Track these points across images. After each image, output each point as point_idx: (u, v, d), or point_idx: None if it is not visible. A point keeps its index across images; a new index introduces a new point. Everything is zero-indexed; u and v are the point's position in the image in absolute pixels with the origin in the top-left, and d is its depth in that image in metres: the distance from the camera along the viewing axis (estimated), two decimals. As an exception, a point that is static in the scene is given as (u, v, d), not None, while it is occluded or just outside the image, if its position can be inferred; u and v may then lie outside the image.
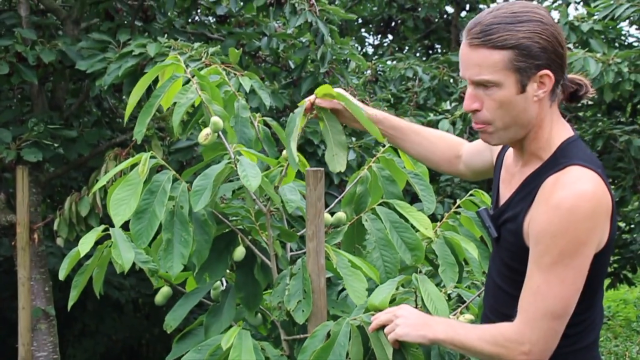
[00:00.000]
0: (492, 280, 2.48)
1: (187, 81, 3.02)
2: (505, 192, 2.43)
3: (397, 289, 2.81)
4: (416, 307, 2.78)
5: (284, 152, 2.99)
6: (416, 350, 2.58)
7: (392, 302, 2.80)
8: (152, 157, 2.86)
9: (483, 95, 2.27)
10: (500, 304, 2.43)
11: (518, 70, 2.21)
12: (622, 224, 8.81)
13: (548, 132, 2.32)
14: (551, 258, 2.18)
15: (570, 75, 2.38)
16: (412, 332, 2.43)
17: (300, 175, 3.24)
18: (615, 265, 8.78)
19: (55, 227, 6.39)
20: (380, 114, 2.87)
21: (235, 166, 2.83)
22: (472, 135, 7.78)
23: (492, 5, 2.37)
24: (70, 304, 3.05)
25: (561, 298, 2.21)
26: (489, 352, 2.31)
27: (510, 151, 2.49)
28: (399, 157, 3.24)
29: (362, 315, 2.67)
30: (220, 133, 2.94)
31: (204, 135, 2.91)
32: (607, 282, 9.07)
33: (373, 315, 2.64)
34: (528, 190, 2.30)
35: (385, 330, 2.52)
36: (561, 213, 2.15)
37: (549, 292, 2.20)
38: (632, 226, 8.50)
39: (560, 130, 2.33)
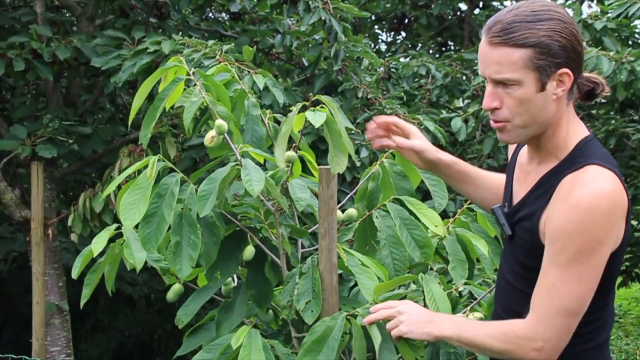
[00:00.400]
0: (504, 278, 2.48)
1: (193, 84, 3.04)
2: (520, 190, 2.43)
3: (407, 286, 2.83)
4: (424, 306, 2.80)
5: (291, 151, 3.01)
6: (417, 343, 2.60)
7: (402, 299, 2.82)
8: (160, 159, 2.88)
9: (503, 94, 2.27)
10: (512, 301, 2.42)
11: (538, 69, 2.22)
12: (634, 222, 8.80)
13: (565, 130, 2.32)
14: (568, 256, 2.19)
15: (585, 74, 2.39)
16: (417, 330, 2.43)
17: (311, 172, 3.26)
18: (627, 263, 8.76)
19: (69, 223, 6.43)
20: (449, 158, 2.78)
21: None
22: (484, 133, 7.79)
23: (508, 4, 2.37)
24: (82, 302, 3.09)
25: (576, 296, 2.21)
26: (499, 349, 2.32)
27: (524, 149, 2.49)
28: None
29: (359, 309, 2.69)
30: (226, 135, 2.96)
31: (209, 138, 2.94)
32: (618, 280, 9.06)
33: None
34: (545, 188, 2.31)
35: (388, 325, 2.52)
36: (579, 212, 2.16)
37: (564, 289, 2.21)
38: (645, 225, 8.49)
39: (576, 129, 2.34)
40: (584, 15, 7.47)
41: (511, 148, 2.64)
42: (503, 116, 2.30)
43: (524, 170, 2.46)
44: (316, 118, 2.89)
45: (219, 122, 2.93)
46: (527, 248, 2.34)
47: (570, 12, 7.79)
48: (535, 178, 2.37)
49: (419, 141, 2.73)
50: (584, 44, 7.03)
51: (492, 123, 2.35)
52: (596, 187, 2.18)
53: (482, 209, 3.06)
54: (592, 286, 2.22)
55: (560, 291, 2.21)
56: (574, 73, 2.26)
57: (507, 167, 2.61)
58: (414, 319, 2.45)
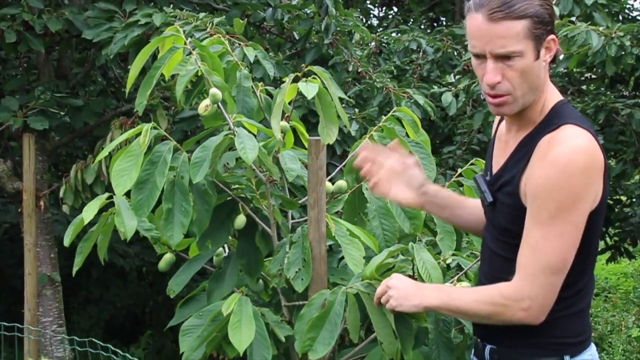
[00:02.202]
0: (488, 248, 2.52)
1: (189, 52, 3.06)
2: (500, 158, 2.47)
3: (396, 257, 2.87)
4: (413, 276, 2.84)
5: (283, 122, 3.04)
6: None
7: (391, 269, 2.86)
8: (153, 127, 2.90)
9: (503, 67, 2.29)
10: (496, 269, 2.45)
11: (535, 38, 2.26)
12: (623, 198, 8.84)
13: (545, 95, 2.38)
14: (549, 212, 2.23)
15: None
16: (405, 303, 2.48)
17: (302, 145, 3.29)
18: (616, 238, 8.81)
19: (61, 195, 6.43)
20: (434, 187, 2.76)
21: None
22: (474, 108, 7.81)
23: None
24: (75, 269, 3.11)
25: (560, 252, 2.26)
26: (487, 313, 2.36)
27: (502, 124, 2.55)
28: (402, 126, 3.28)
29: (358, 283, 2.72)
30: (220, 104, 2.99)
31: (204, 107, 2.96)
32: (607, 255, 9.12)
33: (369, 283, 2.70)
34: (523, 152, 2.35)
35: (382, 301, 2.58)
36: (557, 168, 2.21)
37: (547, 246, 2.25)
38: (633, 199, 8.52)
39: (552, 94, 2.39)
40: (575, -9, 7.47)
41: (494, 124, 2.69)
42: (505, 89, 2.31)
43: (502, 140, 2.50)
44: (309, 89, 2.91)
45: (214, 90, 2.95)
46: (510, 212, 2.37)
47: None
48: (514, 144, 2.41)
49: (406, 196, 2.71)
50: (574, 19, 7.07)
51: (490, 99, 2.36)
52: (573, 143, 2.23)
53: (471, 233, 3.04)
54: (574, 242, 2.27)
55: (543, 248, 2.25)
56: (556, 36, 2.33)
57: (488, 144, 2.65)
58: (401, 293, 2.50)
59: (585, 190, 2.24)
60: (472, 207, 2.76)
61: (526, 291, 2.29)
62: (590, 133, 2.26)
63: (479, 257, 2.95)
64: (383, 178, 2.69)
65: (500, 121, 2.61)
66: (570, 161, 2.21)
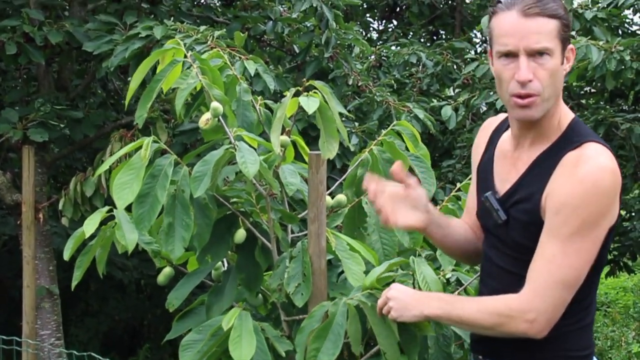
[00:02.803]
0: (495, 265, 2.48)
1: (189, 65, 3.06)
2: (508, 175, 2.44)
3: (396, 271, 2.86)
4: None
5: (284, 136, 3.04)
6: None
7: (391, 283, 2.85)
8: (154, 141, 2.90)
9: (535, 66, 2.27)
10: (506, 285, 2.41)
11: (563, 41, 2.29)
12: (622, 212, 8.83)
13: (559, 109, 2.37)
14: (570, 229, 2.23)
15: None
16: (406, 313, 2.47)
17: (302, 159, 3.28)
18: (615, 252, 8.80)
19: (60, 207, 6.43)
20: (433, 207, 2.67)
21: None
22: (474, 122, 7.81)
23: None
24: (74, 283, 3.10)
25: (575, 268, 2.26)
26: (491, 324, 2.34)
27: (502, 140, 2.52)
28: (402, 140, 3.27)
29: (359, 294, 2.72)
30: (220, 118, 2.98)
31: (204, 120, 2.96)
32: (606, 269, 9.11)
33: (370, 293, 2.70)
34: (542, 168, 2.33)
35: (383, 312, 2.56)
36: (585, 186, 2.21)
37: (564, 261, 2.24)
38: (632, 214, 8.52)
39: (566, 110, 2.40)
40: (575, 5, 7.48)
41: (477, 143, 2.66)
42: (535, 88, 2.28)
43: (509, 157, 2.46)
44: (310, 104, 2.91)
45: (215, 104, 2.95)
46: (526, 228, 2.35)
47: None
48: (528, 160, 2.39)
49: (415, 218, 2.59)
50: (574, 33, 7.08)
51: (518, 100, 2.30)
52: (600, 162, 2.24)
53: (451, 254, 2.89)
54: (590, 259, 2.27)
55: (560, 263, 2.24)
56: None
57: (480, 162, 2.60)
58: (402, 303, 2.49)
59: (608, 209, 2.25)
60: (457, 227, 2.71)
61: (535, 304, 2.27)
62: (611, 152, 2.28)
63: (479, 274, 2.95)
64: (388, 209, 2.56)
65: (492, 138, 2.58)
66: (597, 180, 2.22)
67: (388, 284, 2.80)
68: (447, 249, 2.75)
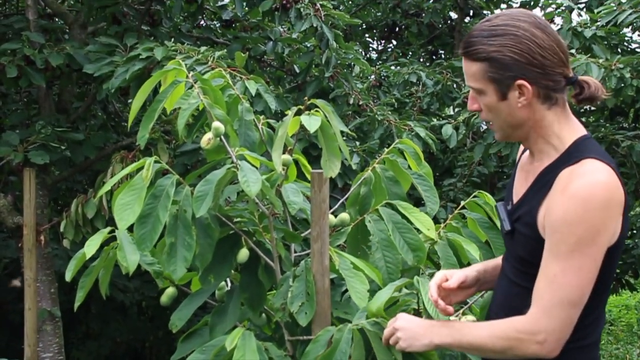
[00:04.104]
0: (505, 277, 2.51)
1: (190, 86, 3.06)
2: (521, 189, 2.48)
3: (400, 291, 2.85)
4: (418, 309, 2.82)
5: (286, 155, 3.03)
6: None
7: (395, 304, 2.84)
8: (156, 161, 2.89)
9: (479, 99, 2.42)
10: (511, 298, 2.44)
11: (494, 80, 2.35)
12: (624, 229, 8.82)
13: (551, 131, 2.39)
14: (568, 246, 2.22)
15: (581, 77, 2.43)
16: (415, 343, 2.46)
17: (304, 178, 3.28)
18: (618, 270, 8.79)
19: (61, 229, 6.43)
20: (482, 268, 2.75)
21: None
22: (474, 141, 7.81)
23: (499, 12, 2.46)
24: (76, 304, 3.08)
25: (577, 286, 2.24)
26: (501, 348, 2.33)
27: (526, 153, 2.57)
28: (404, 158, 3.27)
29: (364, 322, 2.70)
30: (222, 137, 2.98)
31: (206, 140, 2.95)
32: (609, 287, 9.09)
33: (375, 321, 2.68)
34: (542, 183, 2.36)
35: (391, 342, 2.55)
36: (577, 202, 2.20)
37: (565, 280, 2.24)
38: (634, 232, 8.51)
39: (571, 129, 2.40)
40: (574, 23, 7.50)
41: (519, 153, 2.71)
42: (484, 117, 2.46)
43: (524, 170, 2.52)
44: (311, 122, 2.90)
45: (216, 124, 2.94)
46: (528, 243, 2.37)
47: (560, 20, 7.85)
48: (534, 175, 2.42)
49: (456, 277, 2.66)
50: (573, 51, 7.09)
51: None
52: (593, 178, 2.23)
53: None
54: (591, 276, 2.26)
55: (562, 281, 2.24)
56: (533, 83, 2.34)
57: (512, 174, 2.68)
58: (410, 333, 2.48)
59: (604, 224, 2.23)
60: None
61: (543, 324, 2.27)
62: (611, 168, 2.27)
63: (485, 292, 2.94)
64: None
65: (524, 151, 2.62)
66: (590, 195, 2.21)
67: (393, 305, 2.79)
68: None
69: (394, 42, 12.20)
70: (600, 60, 6.79)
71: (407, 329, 2.49)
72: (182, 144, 6.36)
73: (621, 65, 6.69)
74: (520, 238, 2.41)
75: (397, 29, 11.90)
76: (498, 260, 2.73)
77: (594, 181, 2.22)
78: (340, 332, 2.69)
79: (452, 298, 2.66)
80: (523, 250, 2.40)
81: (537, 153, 2.44)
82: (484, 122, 2.58)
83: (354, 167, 6.16)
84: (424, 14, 11.02)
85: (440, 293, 2.60)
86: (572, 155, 2.32)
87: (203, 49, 5.75)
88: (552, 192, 2.30)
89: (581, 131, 2.41)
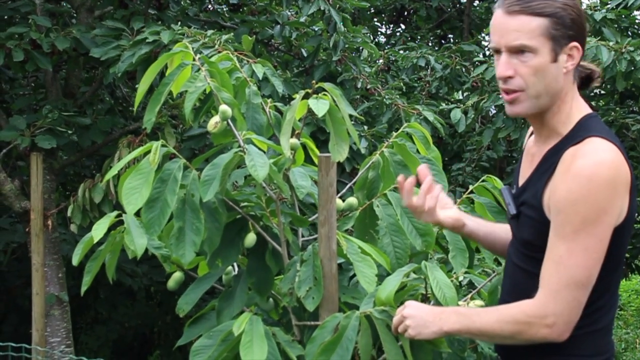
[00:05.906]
0: (511, 262, 2.49)
1: (197, 69, 3.03)
2: (526, 171, 2.46)
3: (407, 276, 2.83)
4: (426, 295, 2.80)
5: (293, 139, 3.01)
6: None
7: (403, 289, 2.82)
8: (163, 145, 2.87)
9: (517, 63, 2.30)
10: (518, 283, 2.42)
11: (553, 39, 2.27)
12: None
13: (569, 107, 2.36)
14: (573, 226, 2.20)
15: (581, 62, 2.41)
16: (424, 330, 2.43)
17: (312, 162, 3.25)
18: (628, 254, 8.76)
19: (68, 214, 6.42)
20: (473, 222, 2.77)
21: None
22: (483, 125, 7.78)
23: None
24: (83, 289, 3.07)
25: (584, 266, 2.22)
26: (510, 332, 2.31)
27: (531, 138, 2.53)
28: (412, 142, 3.25)
29: (372, 309, 2.68)
30: (229, 121, 2.96)
31: (213, 124, 2.93)
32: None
33: (383, 309, 2.66)
34: (547, 165, 2.33)
35: (399, 330, 2.53)
36: (580, 181, 2.18)
37: (571, 260, 2.21)
38: (644, 216, 8.47)
39: (579, 107, 2.37)
40: (584, 6, 7.46)
41: (526, 137, 2.67)
42: (517, 84, 2.32)
43: (530, 153, 2.49)
44: (319, 106, 2.88)
45: (223, 107, 2.92)
46: (533, 225, 2.35)
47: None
48: (540, 157, 2.39)
49: (450, 214, 2.70)
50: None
51: (504, 96, 2.37)
52: (597, 156, 2.20)
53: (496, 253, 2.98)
54: (598, 257, 2.23)
55: (568, 263, 2.22)
56: (582, 48, 2.32)
57: (519, 159, 2.65)
58: (419, 320, 2.45)
59: (609, 204, 2.20)
60: (499, 226, 2.77)
61: (550, 307, 2.25)
62: (616, 146, 2.24)
63: (493, 275, 2.92)
64: (424, 205, 2.61)
65: (531, 134, 2.59)
66: (593, 174, 2.18)
67: (401, 290, 2.77)
68: (490, 246, 2.81)
69: (403, 26, 12.17)
70: (611, 43, 6.75)
71: (416, 316, 2.46)
72: (189, 128, 6.35)
73: (631, 48, 6.65)
74: (525, 221, 2.39)
75: (405, 12, 11.88)
76: (495, 226, 2.76)
77: (598, 160, 2.19)
78: (347, 318, 2.68)
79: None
80: (529, 233, 2.37)
81: (546, 132, 2.39)
82: (493, 106, 2.49)
83: (362, 151, 6.13)
84: (432, -2, 10.98)
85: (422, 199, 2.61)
86: (577, 134, 2.30)
87: (210, 32, 5.72)
88: (557, 173, 2.27)
89: (587, 109, 2.38)
